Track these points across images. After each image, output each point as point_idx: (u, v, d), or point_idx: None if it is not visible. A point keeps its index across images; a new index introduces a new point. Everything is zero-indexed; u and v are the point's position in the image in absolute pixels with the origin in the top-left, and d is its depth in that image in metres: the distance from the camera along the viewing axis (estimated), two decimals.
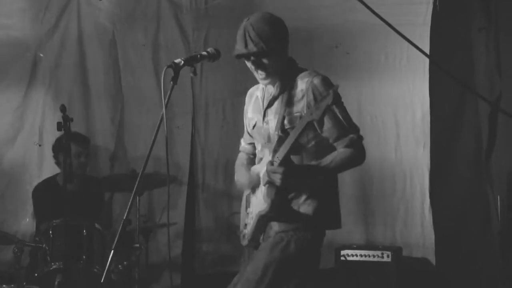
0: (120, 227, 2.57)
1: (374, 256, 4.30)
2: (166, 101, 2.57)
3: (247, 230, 2.90)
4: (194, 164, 4.93)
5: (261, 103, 2.92)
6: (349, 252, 4.41)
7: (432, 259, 4.59)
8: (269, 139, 2.83)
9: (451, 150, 4.71)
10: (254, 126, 2.94)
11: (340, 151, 2.76)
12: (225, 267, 4.88)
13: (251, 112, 3.00)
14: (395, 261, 4.25)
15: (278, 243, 2.79)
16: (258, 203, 2.84)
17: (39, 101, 4.84)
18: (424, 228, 4.65)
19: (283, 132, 2.78)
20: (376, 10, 3.13)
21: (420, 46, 3.69)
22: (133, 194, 2.61)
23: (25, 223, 4.64)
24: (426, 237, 4.63)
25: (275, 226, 2.82)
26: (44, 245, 3.99)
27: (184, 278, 4.78)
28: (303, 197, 2.79)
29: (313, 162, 2.79)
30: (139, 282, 4.27)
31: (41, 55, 4.83)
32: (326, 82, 2.77)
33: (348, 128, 2.75)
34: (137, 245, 4.22)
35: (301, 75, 2.85)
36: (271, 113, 2.84)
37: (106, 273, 2.61)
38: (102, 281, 2.64)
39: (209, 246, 4.87)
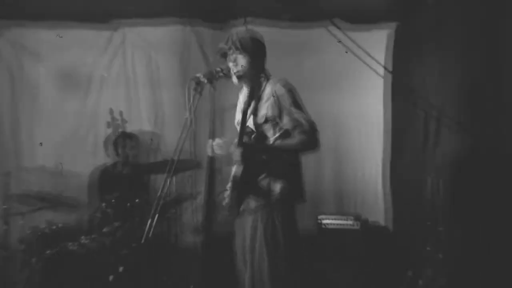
0: (157, 200, 2.98)
1: (347, 225, 4.72)
2: (193, 107, 2.89)
3: (225, 204, 3.11)
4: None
5: (241, 105, 3.16)
6: (328, 221, 4.77)
7: (390, 226, 5.12)
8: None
9: (402, 145, 5.15)
10: (237, 122, 3.21)
11: (295, 137, 2.96)
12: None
13: (236, 112, 3.27)
14: (363, 228, 4.71)
15: (256, 227, 2.95)
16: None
17: (100, 106, 5.24)
18: (385, 203, 5.21)
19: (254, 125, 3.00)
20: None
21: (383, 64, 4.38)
22: (169, 175, 3.04)
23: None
24: (387, 210, 5.18)
25: (251, 202, 3.00)
26: (108, 210, 4.49)
27: (205, 237, 5.07)
28: (271, 177, 2.97)
29: (272, 143, 2.95)
30: (172, 240, 4.65)
31: (105, 75, 5.26)
32: (287, 88, 2.98)
33: (303, 123, 2.94)
34: (171, 213, 4.60)
35: (269, 81, 3.04)
36: (247, 112, 3.07)
37: (146, 234, 3.02)
38: (143, 240, 3.03)
39: (224, 214, 4.36)
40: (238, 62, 2.99)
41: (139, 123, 5.37)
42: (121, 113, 4.44)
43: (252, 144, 2.94)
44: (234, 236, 3.11)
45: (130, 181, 4.84)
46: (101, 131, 5.20)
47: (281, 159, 2.92)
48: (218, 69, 3.01)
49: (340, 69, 5.08)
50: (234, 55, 2.98)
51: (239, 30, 3.10)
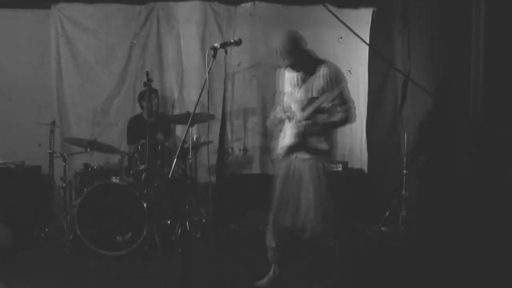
0: (180, 145, 3.23)
1: (333, 167, 5.18)
2: (208, 69, 3.06)
3: (281, 152, 3.47)
4: (224, 108, 5.74)
5: (296, 81, 3.45)
6: None
7: (365, 169, 5.83)
8: (300, 102, 3.38)
9: (379, 104, 5.79)
10: (291, 94, 3.48)
11: (341, 115, 3.36)
12: (242, 170, 5.80)
13: (288, 86, 3.52)
14: (344, 170, 5.36)
15: (311, 168, 3.35)
16: (288, 138, 3.43)
17: (133, 68, 5.80)
18: (362, 151, 5.86)
19: (311, 98, 3.33)
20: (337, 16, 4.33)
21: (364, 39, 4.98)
22: (187, 125, 3.27)
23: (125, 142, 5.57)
24: (363, 157, 5.83)
25: (305, 154, 3.40)
26: (136, 155, 4.84)
27: (218, 177, 5.77)
28: (322, 139, 3.41)
29: (326, 119, 3.31)
30: (191, 178, 5.08)
31: (135, 41, 5.81)
32: (338, 70, 3.35)
33: (347, 101, 3.34)
34: (190, 156, 4.98)
35: (322, 64, 3.32)
36: (303, 87, 3.40)
37: (172, 171, 3.18)
38: (169, 176, 3.27)
39: (232, 158, 5.75)
40: (293, 65, 3.37)
41: (164, 82, 5.81)
42: (147, 73, 4.59)
43: (320, 123, 3.35)
44: (278, 176, 3.49)
45: (154, 129, 5.09)
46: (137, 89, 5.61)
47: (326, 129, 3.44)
48: (232, 40, 3.30)
49: (332, 39, 5.65)
50: (291, 65, 3.38)
51: (282, 42, 3.30)
